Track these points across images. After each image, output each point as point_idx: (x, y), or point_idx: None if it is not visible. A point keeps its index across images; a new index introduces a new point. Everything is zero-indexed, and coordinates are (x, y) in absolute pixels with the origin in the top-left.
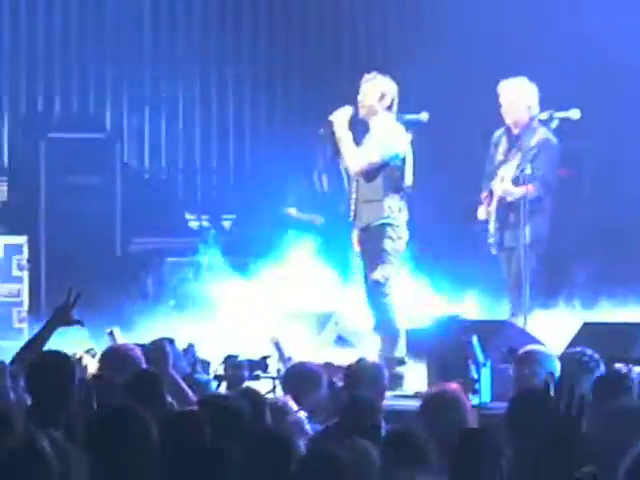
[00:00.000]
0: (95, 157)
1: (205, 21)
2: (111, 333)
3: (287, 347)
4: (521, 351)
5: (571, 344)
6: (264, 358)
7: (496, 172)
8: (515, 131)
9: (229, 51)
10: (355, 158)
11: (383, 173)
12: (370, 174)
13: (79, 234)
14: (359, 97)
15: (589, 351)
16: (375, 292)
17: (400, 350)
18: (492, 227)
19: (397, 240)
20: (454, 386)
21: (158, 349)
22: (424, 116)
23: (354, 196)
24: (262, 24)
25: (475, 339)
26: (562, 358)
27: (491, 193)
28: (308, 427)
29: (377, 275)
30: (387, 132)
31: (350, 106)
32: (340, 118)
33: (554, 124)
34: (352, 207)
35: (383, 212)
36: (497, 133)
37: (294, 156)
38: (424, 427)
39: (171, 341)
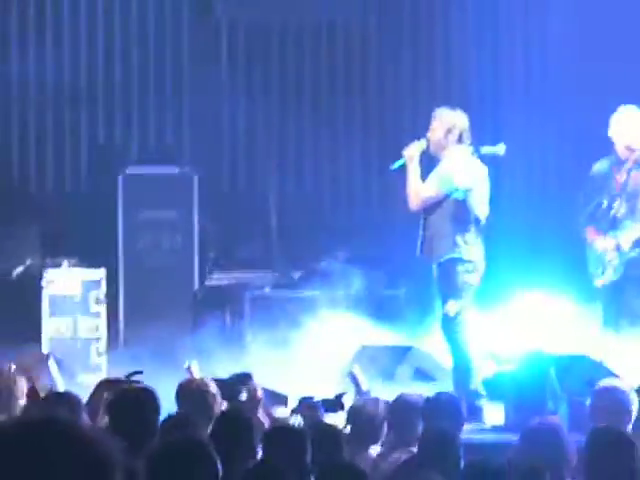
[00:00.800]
0: (172, 191)
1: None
2: (189, 368)
3: (363, 380)
4: (599, 385)
5: None
6: (339, 396)
7: (615, 204)
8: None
9: (308, 81)
10: (413, 193)
11: (447, 207)
12: (430, 210)
13: (156, 268)
14: (428, 133)
15: None
16: (446, 326)
17: (475, 383)
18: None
19: (469, 274)
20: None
21: (239, 384)
22: (501, 148)
23: (421, 232)
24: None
25: (552, 372)
26: None
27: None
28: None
29: (448, 308)
30: (446, 166)
31: (424, 140)
32: (412, 152)
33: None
34: (419, 242)
35: (451, 247)
36: (603, 163)
37: None
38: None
39: (249, 376)
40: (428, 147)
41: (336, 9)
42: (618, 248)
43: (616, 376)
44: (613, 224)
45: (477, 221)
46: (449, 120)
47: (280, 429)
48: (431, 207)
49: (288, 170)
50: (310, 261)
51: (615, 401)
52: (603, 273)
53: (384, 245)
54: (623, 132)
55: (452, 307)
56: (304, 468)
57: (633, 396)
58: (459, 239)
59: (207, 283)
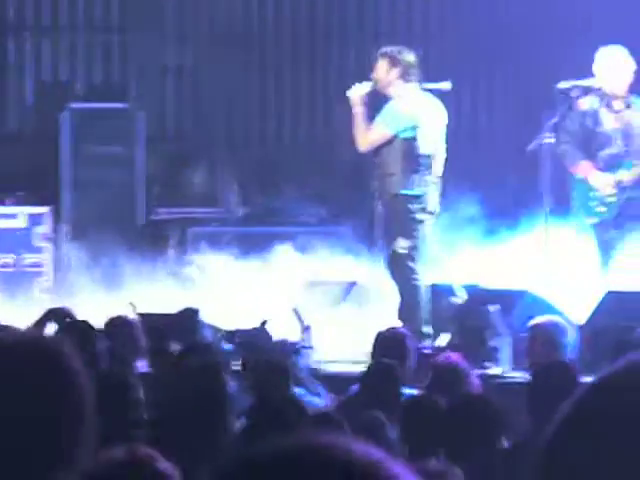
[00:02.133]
0: (117, 127)
1: None
2: (132, 303)
3: (307, 316)
4: (532, 322)
5: (594, 313)
6: (263, 323)
7: (612, 141)
8: (621, 98)
9: (254, 22)
10: (360, 136)
11: (396, 146)
12: (377, 151)
13: (101, 204)
14: (373, 73)
15: None
16: (394, 263)
17: (419, 320)
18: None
19: (417, 211)
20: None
21: (187, 319)
22: (446, 85)
23: (376, 171)
24: None
25: (495, 308)
26: (637, 334)
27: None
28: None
29: (396, 246)
30: (392, 106)
31: (367, 82)
32: (356, 94)
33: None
34: (375, 181)
35: (401, 184)
36: (592, 102)
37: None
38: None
39: (196, 311)
40: (376, 88)
41: None
42: (619, 185)
43: (558, 312)
44: (611, 162)
45: (427, 158)
46: (392, 57)
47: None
48: (381, 147)
49: (235, 107)
50: (256, 198)
51: (549, 336)
52: (598, 210)
53: (331, 182)
54: (613, 64)
55: (400, 244)
56: None
57: (568, 331)
58: (409, 176)
59: (152, 218)
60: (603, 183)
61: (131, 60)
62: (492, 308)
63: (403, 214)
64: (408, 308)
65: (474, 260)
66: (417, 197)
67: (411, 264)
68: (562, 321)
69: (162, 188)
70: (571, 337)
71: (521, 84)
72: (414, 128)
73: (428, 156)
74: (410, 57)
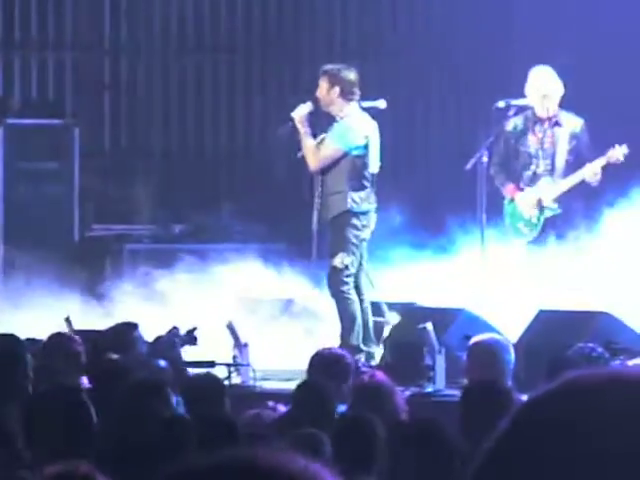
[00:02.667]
0: (54, 142)
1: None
2: (68, 319)
3: (242, 333)
4: (473, 340)
5: (526, 332)
6: (191, 331)
7: (534, 160)
8: (549, 118)
9: (190, 36)
10: (310, 155)
11: (345, 164)
12: (326, 169)
13: (37, 220)
14: (316, 92)
15: (600, 348)
16: (333, 279)
17: (357, 337)
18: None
19: (362, 229)
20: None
21: (123, 334)
22: (381, 103)
23: (320, 189)
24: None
25: (430, 326)
26: (572, 353)
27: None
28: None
29: (337, 262)
30: (343, 124)
31: (309, 101)
32: (300, 114)
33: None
34: (317, 200)
35: (347, 203)
36: (517, 122)
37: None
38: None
39: (134, 326)
40: (318, 106)
41: None
42: (539, 204)
43: (494, 330)
44: (533, 181)
45: (372, 176)
46: (333, 76)
47: None
48: (329, 165)
49: (171, 123)
50: (191, 214)
51: (489, 355)
52: (523, 230)
53: (266, 199)
54: (540, 82)
55: (341, 260)
56: None
57: (509, 350)
58: (354, 195)
59: (87, 234)
60: (526, 204)
61: (67, 76)
62: (428, 326)
63: (347, 231)
64: (347, 325)
65: (410, 278)
66: (363, 214)
67: (350, 280)
68: (502, 339)
69: (97, 204)
70: (512, 355)
71: (460, 102)
72: (365, 146)
73: (373, 174)
74: (351, 75)
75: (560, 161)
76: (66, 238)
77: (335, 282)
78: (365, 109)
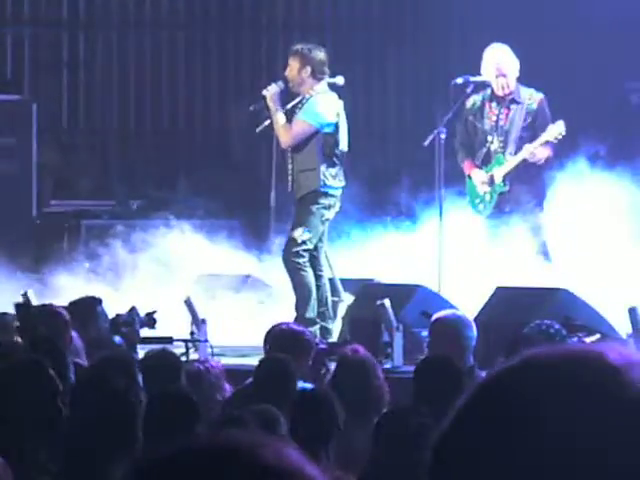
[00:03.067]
0: (11, 118)
1: None
2: (25, 294)
3: (200, 309)
4: (435, 316)
5: (484, 308)
6: (150, 314)
7: (488, 137)
8: (505, 95)
9: (148, 13)
10: (283, 133)
11: (316, 142)
12: (299, 147)
13: None
14: (285, 72)
15: (557, 325)
16: (290, 251)
17: (312, 310)
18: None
19: (328, 208)
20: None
21: (86, 308)
22: (339, 80)
23: (290, 166)
24: None
25: (388, 302)
26: (529, 329)
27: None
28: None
29: (296, 234)
30: (314, 102)
31: (280, 81)
32: (272, 93)
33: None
34: (290, 177)
35: (319, 181)
36: (475, 99)
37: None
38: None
39: (98, 300)
40: (287, 86)
41: None
42: (491, 181)
43: (451, 307)
44: (487, 158)
45: (342, 154)
46: (304, 56)
47: None
48: (301, 144)
49: (128, 98)
50: (149, 190)
51: (452, 331)
52: (482, 206)
53: (223, 174)
54: (495, 60)
55: (300, 234)
56: None
57: (471, 326)
58: (325, 172)
59: (45, 210)
60: (479, 180)
61: (26, 53)
62: (385, 302)
63: (314, 208)
64: (301, 298)
65: (368, 255)
66: (332, 195)
67: (306, 255)
68: (464, 315)
69: (55, 180)
70: (474, 331)
71: (417, 78)
72: (336, 124)
73: (343, 152)
74: (321, 54)
75: (513, 138)
76: (24, 214)
77: (290, 254)
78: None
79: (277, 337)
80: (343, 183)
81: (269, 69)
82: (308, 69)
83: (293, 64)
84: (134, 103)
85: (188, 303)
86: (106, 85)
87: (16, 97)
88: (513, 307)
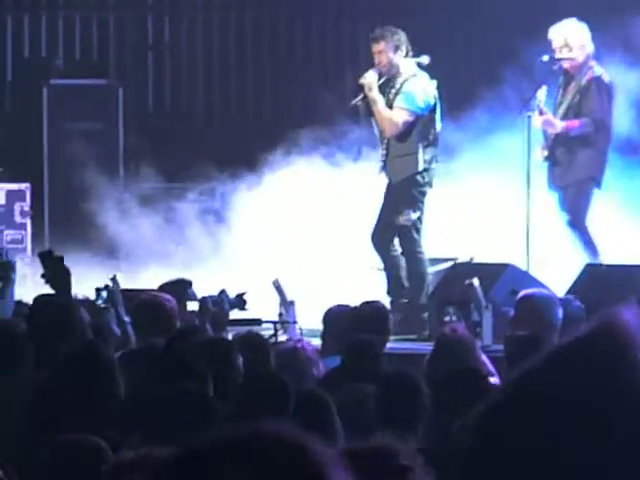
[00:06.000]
0: (98, 103)
1: None
2: (114, 278)
3: (289, 291)
4: (520, 294)
5: (573, 286)
6: (240, 295)
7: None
8: (570, 70)
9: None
10: (388, 124)
11: (418, 125)
12: (403, 134)
13: (81, 180)
14: (375, 59)
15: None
16: (404, 236)
17: (425, 296)
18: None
19: (425, 186)
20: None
21: (178, 290)
22: (424, 59)
23: (384, 152)
24: None
25: (477, 281)
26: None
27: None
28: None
29: (404, 218)
30: (413, 87)
31: (372, 69)
32: (370, 81)
33: None
34: (381, 162)
35: (417, 165)
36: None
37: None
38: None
39: (190, 283)
40: (380, 72)
41: None
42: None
43: (542, 285)
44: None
45: (438, 134)
46: (393, 40)
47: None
48: (406, 131)
49: (213, 89)
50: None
51: (534, 310)
52: None
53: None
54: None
55: (407, 217)
56: None
57: (554, 305)
58: (423, 155)
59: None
60: None
61: (111, 37)
62: (474, 281)
63: (415, 190)
64: (416, 284)
65: (456, 234)
66: (431, 172)
67: (417, 236)
68: (551, 294)
69: (142, 164)
70: (559, 310)
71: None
72: (434, 105)
73: (439, 132)
74: (403, 35)
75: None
76: (112, 199)
77: (407, 240)
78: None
79: (361, 316)
80: (438, 163)
81: (352, 59)
82: (402, 52)
83: (384, 49)
84: (218, 88)
85: (277, 285)
86: (191, 69)
87: (102, 81)
88: (602, 286)
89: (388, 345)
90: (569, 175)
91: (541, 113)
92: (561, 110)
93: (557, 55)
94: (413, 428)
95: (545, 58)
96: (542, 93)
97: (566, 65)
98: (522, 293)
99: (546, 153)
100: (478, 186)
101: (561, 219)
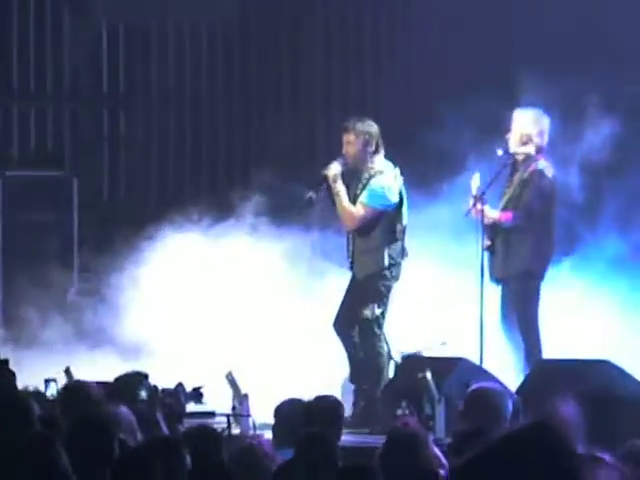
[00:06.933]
0: (52, 194)
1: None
2: (67, 370)
3: (242, 384)
4: (470, 389)
5: (525, 381)
6: (197, 389)
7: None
8: (517, 163)
9: (187, 87)
10: (348, 217)
11: (384, 220)
12: (365, 229)
13: (35, 270)
14: (343, 148)
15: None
16: (365, 329)
17: (379, 389)
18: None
19: (392, 280)
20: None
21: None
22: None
23: (350, 248)
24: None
25: (429, 375)
26: None
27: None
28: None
29: (368, 312)
30: (378, 184)
31: (339, 159)
32: (334, 172)
33: None
34: (350, 258)
35: (383, 261)
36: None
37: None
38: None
39: (146, 376)
40: (345, 163)
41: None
42: None
43: (495, 379)
44: None
45: (404, 228)
46: (365, 133)
47: None
48: (367, 227)
49: (168, 176)
50: None
51: (485, 404)
52: None
53: None
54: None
55: (372, 310)
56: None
57: (505, 399)
58: (388, 251)
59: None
60: None
61: (67, 128)
62: (427, 375)
63: (380, 284)
64: (372, 374)
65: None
66: (397, 266)
67: (378, 331)
68: (501, 388)
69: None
70: (509, 404)
71: None
72: (400, 201)
73: (405, 226)
74: (376, 128)
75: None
76: (65, 289)
77: (367, 332)
78: None
79: (317, 410)
80: (407, 256)
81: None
82: (369, 147)
83: (355, 141)
84: (172, 178)
85: (230, 378)
86: (146, 160)
87: (57, 172)
88: (553, 381)
89: (342, 438)
90: (507, 267)
91: (475, 202)
92: (502, 201)
93: (511, 149)
94: None
95: (499, 152)
96: (475, 180)
97: (518, 157)
98: (472, 386)
99: (489, 243)
100: (431, 278)
101: (501, 313)
